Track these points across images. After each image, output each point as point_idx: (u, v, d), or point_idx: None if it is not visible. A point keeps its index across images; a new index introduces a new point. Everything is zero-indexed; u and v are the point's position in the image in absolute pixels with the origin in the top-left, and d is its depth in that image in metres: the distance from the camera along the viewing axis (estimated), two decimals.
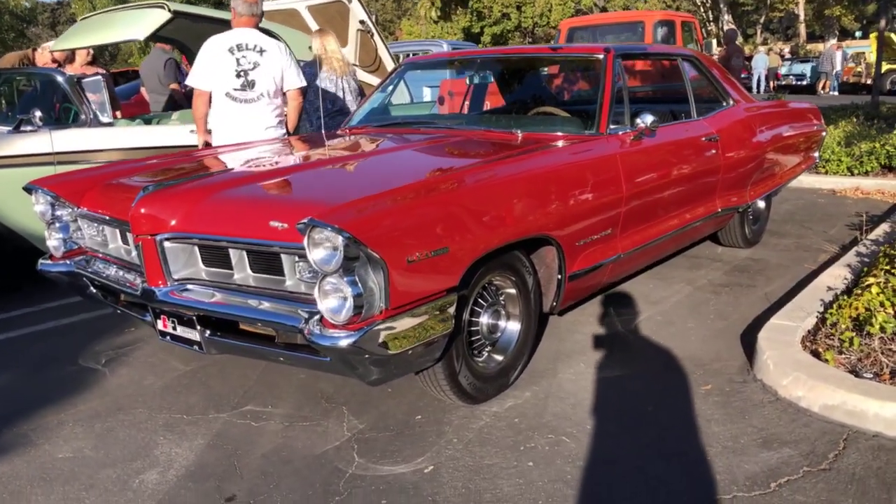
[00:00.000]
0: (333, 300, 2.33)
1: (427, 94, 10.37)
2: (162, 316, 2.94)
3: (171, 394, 3.22)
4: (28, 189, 3.40)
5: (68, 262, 3.34)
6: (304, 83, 4.69)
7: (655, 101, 5.12)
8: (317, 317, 2.39)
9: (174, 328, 2.91)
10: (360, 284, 2.29)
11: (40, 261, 3.45)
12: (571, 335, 3.73)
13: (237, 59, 4.36)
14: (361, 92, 5.87)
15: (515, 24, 28.83)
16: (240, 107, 4.39)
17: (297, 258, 2.55)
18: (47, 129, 4.75)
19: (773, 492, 2.33)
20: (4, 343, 3.97)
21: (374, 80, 6.99)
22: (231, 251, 2.69)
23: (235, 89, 4.37)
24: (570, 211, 3.15)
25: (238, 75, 4.36)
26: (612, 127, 3.62)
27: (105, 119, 5.10)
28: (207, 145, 4.52)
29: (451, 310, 2.57)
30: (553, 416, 2.88)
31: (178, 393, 3.23)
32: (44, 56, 6.75)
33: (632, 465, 2.53)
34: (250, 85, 4.39)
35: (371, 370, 2.44)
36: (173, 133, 5.38)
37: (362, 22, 7.02)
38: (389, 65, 7.26)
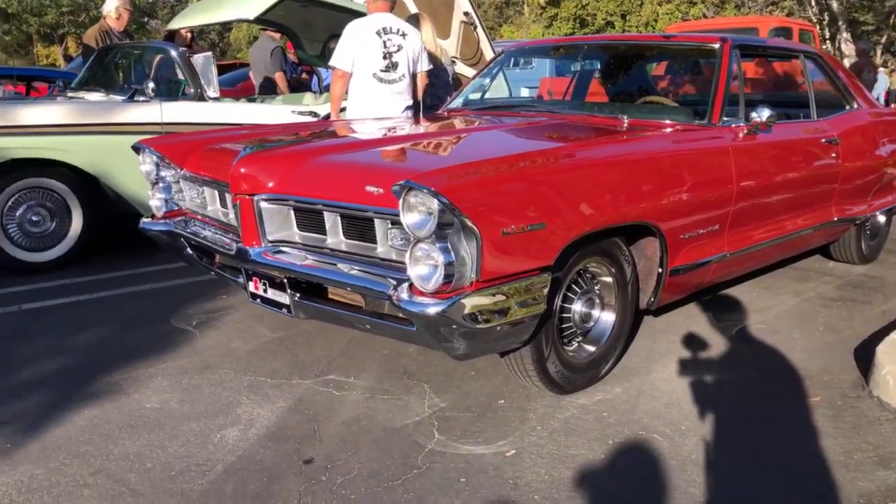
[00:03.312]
0: (424, 267, 2.26)
1: (525, 95, 10.27)
2: (254, 278, 2.95)
3: (256, 358, 3.24)
4: (136, 148, 3.50)
5: (168, 221, 3.42)
6: (431, 66, 4.91)
7: (771, 98, 4.84)
8: (406, 283, 2.33)
9: (265, 291, 2.92)
10: (451, 252, 2.22)
11: (142, 220, 3.55)
12: (666, 335, 3.54)
13: (384, 42, 4.59)
14: (456, 84, 5.84)
15: (619, 33, 28.27)
16: (384, 87, 4.63)
17: (390, 224, 2.50)
18: (158, 101, 4.92)
19: None
20: (105, 300, 4.11)
21: (472, 73, 6.93)
22: (325, 215, 2.67)
23: (381, 70, 4.60)
24: (676, 201, 2.98)
25: (384, 57, 4.58)
26: (725, 119, 3.42)
27: (212, 94, 5.25)
28: None
29: (544, 291, 2.45)
30: (645, 414, 2.72)
31: (263, 357, 3.25)
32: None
33: (729, 471, 2.35)
34: (394, 66, 4.64)
35: (456, 343, 2.36)
36: (276, 112, 5.49)
37: (466, 14, 6.96)
38: (485, 48, 7.18)
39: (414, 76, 4.90)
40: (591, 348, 2.93)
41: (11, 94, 9.56)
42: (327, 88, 7.79)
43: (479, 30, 7.06)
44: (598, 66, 4.32)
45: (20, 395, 2.87)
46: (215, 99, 5.26)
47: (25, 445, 2.47)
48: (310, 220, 2.75)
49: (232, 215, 3.13)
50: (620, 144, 2.91)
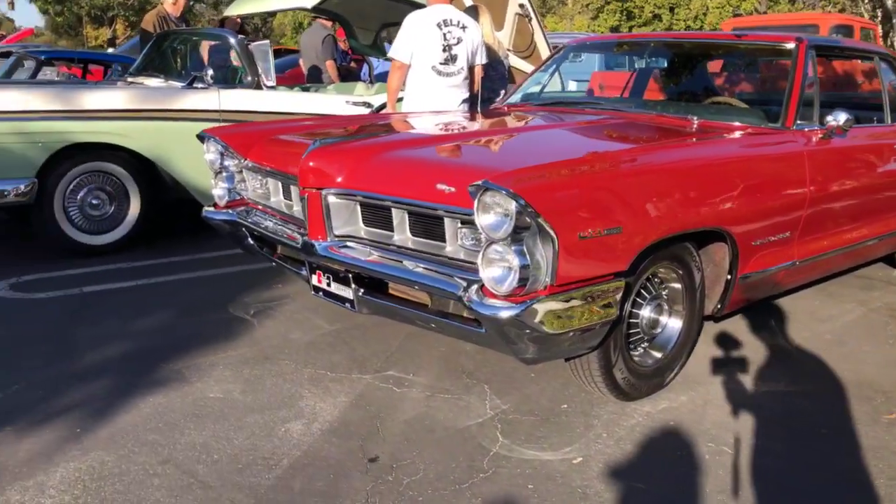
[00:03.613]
0: (497, 269, 2.23)
1: (573, 89, 10.14)
2: (317, 271, 2.95)
3: (315, 350, 3.25)
4: (201, 137, 3.52)
5: (231, 211, 3.44)
6: (488, 60, 4.88)
7: (841, 100, 4.69)
8: (477, 285, 2.30)
9: (328, 284, 2.91)
10: (527, 255, 2.18)
11: (205, 208, 3.57)
12: (730, 343, 3.45)
13: (444, 34, 4.55)
14: (511, 78, 5.78)
15: (667, 26, 27.78)
16: (442, 80, 4.59)
17: (460, 224, 2.47)
18: (216, 88, 4.95)
19: None
20: (163, 285, 4.16)
21: (525, 67, 6.85)
22: (393, 212, 2.65)
23: (441, 63, 4.55)
24: (751, 206, 2.90)
25: (444, 49, 4.53)
26: (799, 122, 3.31)
27: (269, 83, 5.26)
28: None
29: (617, 297, 2.40)
30: (713, 425, 2.66)
31: (322, 350, 3.25)
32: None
33: (802, 487, 2.28)
34: (453, 59, 4.59)
35: (526, 347, 2.32)
36: (331, 102, 5.49)
37: (522, 5, 6.87)
38: (545, 52, 7.08)
39: (471, 69, 4.88)
40: (658, 355, 2.87)
41: (66, 75, 9.74)
42: (378, 78, 7.81)
43: (534, 22, 6.96)
44: (663, 64, 4.22)
45: (86, 380, 2.91)
46: (271, 87, 5.27)
47: (94, 431, 2.50)
48: (377, 215, 2.73)
49: (296, 207, 3.14)
50: (696, 148, 2.84)
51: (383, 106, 5.67)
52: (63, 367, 3.02)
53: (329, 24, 8.67)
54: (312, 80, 7.86)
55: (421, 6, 6.19)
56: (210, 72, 4.91)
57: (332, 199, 2.74)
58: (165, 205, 5.07)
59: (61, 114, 4.35)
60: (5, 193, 4.23)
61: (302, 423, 2.59)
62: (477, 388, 2.91)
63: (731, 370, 3.14)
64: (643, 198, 2.43)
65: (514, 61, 6.79)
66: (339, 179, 2.70)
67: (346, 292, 2.82)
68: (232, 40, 5.27)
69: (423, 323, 2.67)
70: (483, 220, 2.20)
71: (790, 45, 3.53)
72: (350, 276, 2.76)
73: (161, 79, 5.27)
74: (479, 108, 4.59)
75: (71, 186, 4.54)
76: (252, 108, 5.06)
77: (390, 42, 9.03)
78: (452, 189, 2.41)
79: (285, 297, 3.95)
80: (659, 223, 2.49)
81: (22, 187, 4.27)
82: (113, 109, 4.53)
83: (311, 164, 2.76)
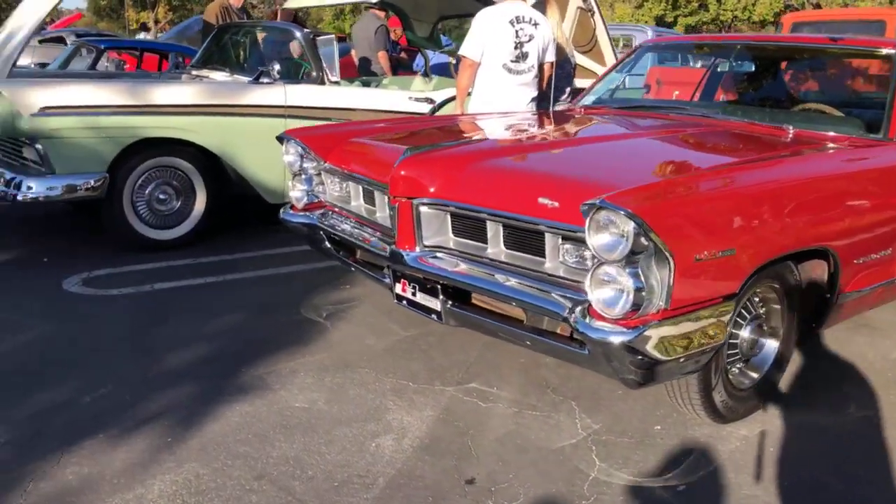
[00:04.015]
0: (609, 291, 2.14)
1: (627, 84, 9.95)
2: (402, 280, 2.89)
3: (393, 357, 3.20)
4: (280, 138, 3.48)
5: (310, 214, 3.39)
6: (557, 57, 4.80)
7: None
8: (584, 306, 2.22)
9: (413, 294, 2.85)
10: (641, 278, 2.09)
11: (282, 210, 3.54)
12: (825, 362, 3.32)
13: (516, 32, 4.47)
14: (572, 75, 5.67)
15: (713, 16, 27.22)
16: (512, 78, 4.53)
17: (561, 240, 2.38)
18: (282, 83, 4.91)
19: None
20: (233, 283, 4.15)
21: (588, 63, 6.70)
22: (488, 224, 2.57)
23: (511, 61, 4.49)
24: (856, 223, 2.77)
25: (515, 47, 4.46)
26: None
27: (333, 77, 5.21)
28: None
29: (726, 320, 2.31)
30: (815, 454, 2.55)
31: (400, 358, 3.20)
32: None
33: None
34: (524, 57, 4.53)
35: (632, 372, 2.23)
36: (395, 98, 5.43)
37: (585, 0, 6.73)
38: (606, 48, 6.92)
39: (541, 67, 4.80)
40: (754, 375, 2.76)
41: (116, 61, 9.82)
42: (434, 70, 7.72)
43: (597, 17, 6.81)
44: (742, 66, 4.07)
45: (170, 383, 2.90)
46: (335, 82, 5.22)
47: (185, 441, 2.48)
48: (469, 227, 2.66)
49: (379, 213, 3.09)
50: (805, 163, 2.72)
51: (446, 101, 5.60)
52: (146, 370, 3.01)
53: (382, 14, 8.60)
54: (364, 70, 7.81)
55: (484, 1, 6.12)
56: (277, 66, 4.87)
57: (423, 209, 2.68)
58: (228, 200, 5.06)
59: (133, 109, 4.34)
60: (76, 188, 4.24)
61: (392, 438, 2.54)
62: (564, 405, 2.83)
63: (829, 392, 3.02)
64: (756, 217, 2.33)
65: (580, 59, 6.65)
66: (431, 189, 2.64)
67: (434, 303, 2.76)
68: (298, 34, 5.22)
69: (515, 339, 2.61)
70: (596, 240, 2.11)
71: (891, 51, 3.37)
72: (438, 287, 2.70)
73: (226, 72, 5.25)
74: (551, 109, 4.48)
75: (139, 181, 4.54)
76: (317, 104, 5.02)
77: (445, 34, 8.93)
78: (556, 204, 2.33)
79: (355, 300, 3.91)
80: (770, 243, 2.38)
81: (92, 182, 4.29)
82: (182, 105, 4.51)
83: (402, 173, 2.69)
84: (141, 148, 4.44)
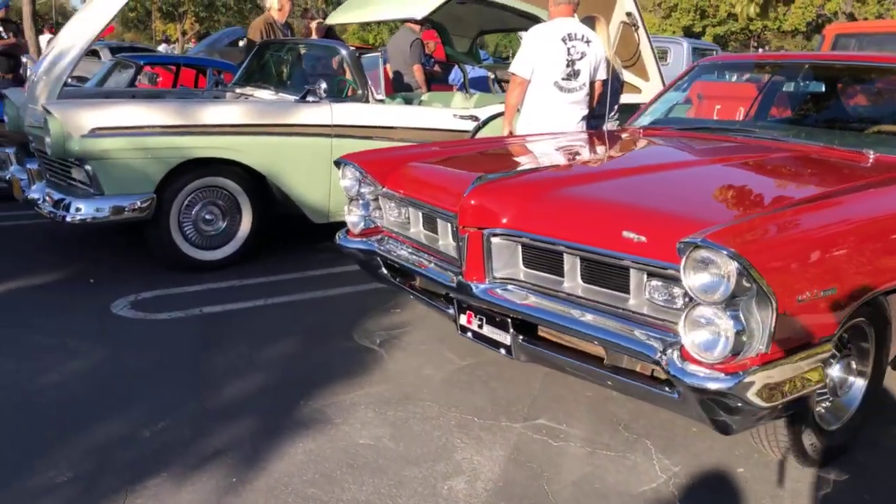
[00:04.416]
0: (705, 334, 2.02)
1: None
2: (468, 311, 2.79)
3: (454, 390, 3.09)
4: (337, 163, 3.40)
5: (368, 240, 3.30)
6: (607, 76, 4.72)
7: None
8: (676, 348, 2.10)
9: (480, 326, 2.75)
10: (742, 321, 1.97)
11: (338, 235, 3.45)
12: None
13: (568, 49, 4.41)
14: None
15: (742, 26, 26.92)
16: (564, 96, 4.46)
17: (647, 276, 2.27)
18: (328, 102, 4.84)
19: None
20: (282, 307, 4.07)
21: (628, 77, 6.57)
22: (565, 256, 2.46)
23: (563, 78, 4.42)
24: None
25: (567, 65, 4.40)
26: None
27: (378, 95, 5.15)
28: (510, 135, 4.58)
29: (824, 360, 2.18)
30: None
31: (461, 390, 3.10)
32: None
33: None
34: (576, 75, 4.46)
35: (726, 417, 2.11)
36: (440, 116, 5.35)
37: (629, 14, 6.61)
38: (650, 62, 6.81)
39: (591, 84, 4.70)
40: (842, 416, 2.62)
41: (149, 74, 9.83)
42: (471, 85, 7.64)
43: (641, 31, 6.70)
44: (812, 86, 3.93)
45: (229, 417, 2.82)
46: (380, 100, 5.15)
47: (251, 481, 2.39)
48: (543, 259, 2.55)
49: (442, 241, 3.00)
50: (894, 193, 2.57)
51: (490, 119, 5.51)
52: (203, 401, 2.94)
53: (417, 27, 8.56)
54: (397, 83, 7.75)
55: (524, 13, 6.04)
56: (324, 85, 4.80)
57: (495, 240, 2.57)
58: (274, 219, 5.00)
59: (181, 129, 4.29)
60: (125, 209, 4.20)
61: (464, 480, 2.43)
62: (639, 444, 2.71)
63: None
64: (859, 252, 2.21)
65: (628, 76, 6.53)
66: (504, 220, 2.54)
67: (503, 337, 2.65)
68: (343, 51, 5.17)
69: (594, 378, 2.49)
70: (693, 280, 2.00)
71: None
72: (509, 320, 2.60)
73: (270, 90, 5.20)
74: (605, 129, 4.35)
75: (186, 202, 4.49)
76: (361, 122, 4.95)
77: (483, 49, 8.84)
78: (642, 238, 2.21)
79: (407, 325, 3.81)
80: (871, 279, 2.26)
81: (139, 203, 4.24)
82: (230, 124, 4.46)
83: (473, 202, 2.59)
84: (188, 168, 4.39)
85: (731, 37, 27.86)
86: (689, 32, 26.22)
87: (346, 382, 3.13)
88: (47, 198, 4.31)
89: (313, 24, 6.90)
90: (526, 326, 2.57)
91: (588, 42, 4.58)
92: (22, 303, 3.98)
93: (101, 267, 4.63)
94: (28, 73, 8.86)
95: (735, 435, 2.60)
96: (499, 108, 5.57)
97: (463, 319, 2.83)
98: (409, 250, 3.16)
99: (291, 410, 2.86)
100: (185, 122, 4.31)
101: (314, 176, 4.81)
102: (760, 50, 28.88)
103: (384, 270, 3.31)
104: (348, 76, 5.17)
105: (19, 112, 4.96)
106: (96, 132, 4.03)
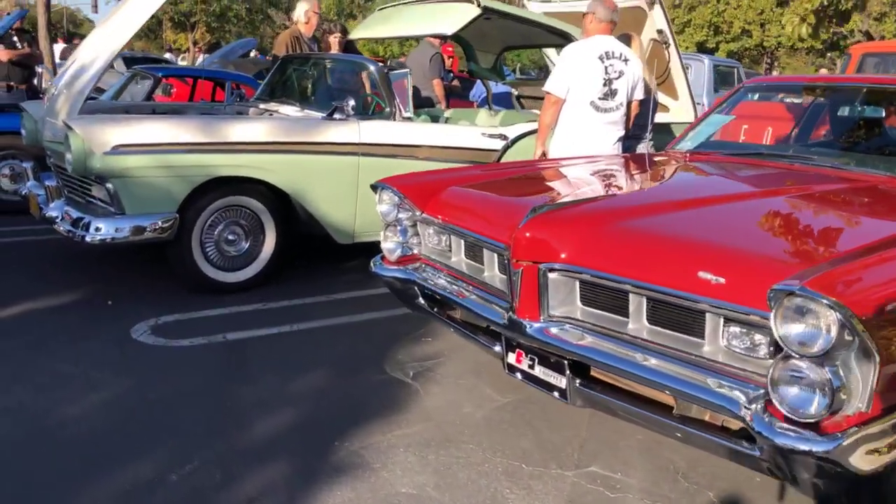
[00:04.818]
0: (797, 389, 1.84)
1: None
2: (518, 350, 2.61)
3: (497, 431, 2.91)
4: (374, 187, 3.23)
5: (406, 269, 3.13)
6: (644, 95, 4.57)
7: None
8: (761, 403, 1.92)
9: (531, 367, 2.57)
10: (841, 376, 1.79)
11: (373, 263, 3.28)
12: None
13: (605, 68, 4.28)
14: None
15: (757, 42, 26.77)
16: (600, 116, 4.32)
17: (724, 321, 2.08)
18: (356, 119, 4.69)
19: None
20: (308, 333, 3.90)
21: (663, 99, 6.41)
22: (631, 296, 2.28)
23: (599, 98, 4.29)
24: None
25: (604, 84, 4.27)
26: None
27: (406, 113, 4.99)
28: (543, 156, 4.45)
29: None
30: None
31: (504, 431, 2.91)
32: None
33: None
34: (612, 94, 4.32)
35: (815, 480, 1.92)
36: (468, 135, 5.19)
37: (660, 31, 6.44)
38: (679, 80, 6.64)
39: (628, 104, 4.55)
40: None
41: (164, 85, 9.70)
42: (495, 102, 7.49)
43: (672, 49, 6.53)
44: (863, 110, 3.76)
45: (261, 458, 2.64)
46: (408, 118, 4.99)
47: None
48: (604, 297, 2.37)
49: (488, 273, 2.82)
50: None
51: (519, 138, 5.35)
52: (231, 440, 2.76)
53: (437, 42, 8.44)
54: (416, 98, 7.61)
55: (553, 30, 5.87)
56: (352, 102, 4.65)
57: (552, 275, 2.40)
58: (296, 240, 4.84)
59: (206, 146, 4.14)
60: (146, 229, 4.03)
61: None
62: (701, 496, 2.52)
63: None
64: None
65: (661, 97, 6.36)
66: (563, 255, 2.36)
67: (558, 380, 2.47)
68: (371, 67, 5.01)
69: (659, 428, 2.30)
70: (786, 330, 1.81)
71: None
72: (566, 363, 2.41)
73: (295, 106, 5.05)
74: (650, 153, 4.17)
75: (208, 221, 4.32)
76: (389, 141, 4.79)
77: (506, 65, 8.68)
78: (720, 280, 2.03)
79: (441, 356, 3.64)
80: None
81: (161, 223, 4.07)
82: (257, 142, 4.30)
83: (528, 234, 2.42)
84: (211, 187, 4.23)
85: (745, 53, 27.72)
86: (702, 48, 26.07)
87: (381, 421, 2.95)
88: (66, 216, 4.16)
89: (332, 38, 6.77)
90: (582, 369, 2.39)
91: (626, 61, 4.45)
92: (39, 325, 3.81)
93: (118, 286, 4.47)
94: (42, 83, 8.74)
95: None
96: (527, 126, 5.42)
97: (511, 358, 2.65)
98: (450, 280, 2.99)
99: (326, 452, 2.68)
100: (210, 139, 4.16)
101: (340, 195, 4.65)
102: (775, 71, 28.74)
103: (421, 300, 3.13)
104: (374, 92, 5.01)
105: (37, 125, 4.83)
106: (119, 149, 3.88)
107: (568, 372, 2.42)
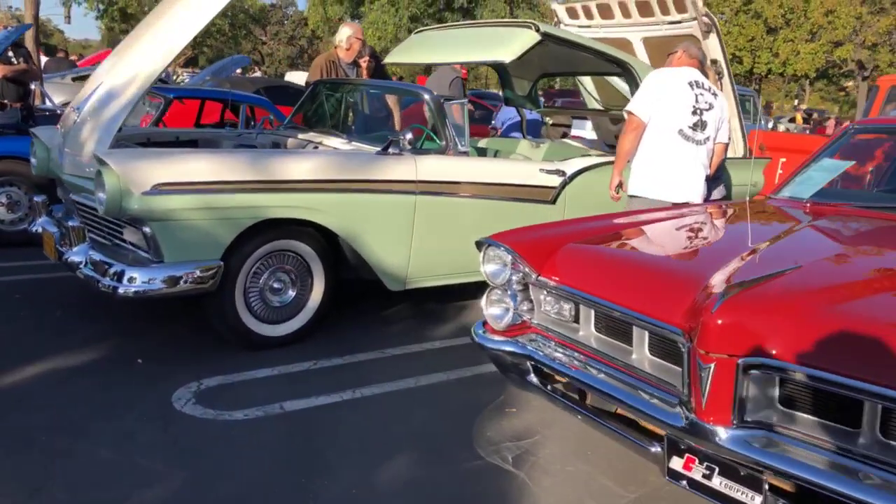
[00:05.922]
0: None
1: None
2: (688, 455, 2.15)
3: None
4: (480, 244, 2.76)
5: (519, 342, 2.66)
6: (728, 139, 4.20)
7: None
8: None
9: (707, 476, 2.10)
10: None
11: (476, 331, 2.80)
12: None
13: (696, 96, 3.94)
14: None
15: (747, 69, 26.83)
16: (689, 147, 3.98)
17: None
18: (411, 154, 4.22)
19: None
20: (372, 402, 3.39)
21: None
22: (866, 405, 1.83)
23: (689, 127, 3.94)
24: None
25: (694, 112, 3.92)
26: None
27: (462, 148, 4.53)
28: (619, 186, 4.14)
29: None
30: None
31: None
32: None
33: None
34: (703, 126, 3.98)
35: None
36: (526, 170, 4.75)
37: (714, 62, 6.08)
38: (733, 114, 6.28)
39: (713, 142, 4.17)
40: None
41: (153, 104, 9.10)
42: (529, 131, 7.08)
43: (726, 79, 6.17)
44: None
45: None
46: (464, 153, 4.54)
47: None
48: (817, 402, 1.92)
49: (637, 356, 2.37)
50: None
51: (577, 173, 4.91)
52: None
53: (458, 66, 8.12)
54: None
55: (612, 58, 5.46)
56: (409, 135, 4.19)
57: (754, 372, 1.94)
58: (342, 285, 4.34)
59: (256, 185, 3.63)
60: (185, 279, 3.50)
61: None
62: None
63: None
64: None
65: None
66: (773, 351, 1.90)
67: (748, 497, 2.00)
68: (426, 97, 4.55)
69: None
70: None
71: None
72: (764, 479, 1.96)
73: (342, 138, 4.57)
74: (774, 204, 3.67)
75: (253, 269, 3.81)
76: (445, 178, 4.33)
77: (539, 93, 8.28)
78: None
79: (534, 432, 3.16)
80: None
81: (198, 272, 3.54)
82: (310, 180, 3.81)
83: (720, 321, 1.96)
84: (257, 231, 3.72)
85: (735, 79, 27.80)
86: None
87: None
88: (92, 262, 3.61)
89: (361, 62, 6.32)
90: (796, 494, 1.93)
91: (715, 95, 4.12)
92: (58, 393, 3.26)
93: (147, 339, 3.94)
94: (46, 102, 8.12)
95: None
96: (584, 161, 5.00)
97: (677, 463, 2.18)
98: (576, 358, 2.53)
99: None
100: (261, 177, 3.65)
101: (395, 237, 4.18)
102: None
103: (534, 378, 2.66)
104: (433, 125, 4.55)
105: (50, 154, 4.30)
106: (160, 188, 3.36)
107: (768, 492, 1.96)
